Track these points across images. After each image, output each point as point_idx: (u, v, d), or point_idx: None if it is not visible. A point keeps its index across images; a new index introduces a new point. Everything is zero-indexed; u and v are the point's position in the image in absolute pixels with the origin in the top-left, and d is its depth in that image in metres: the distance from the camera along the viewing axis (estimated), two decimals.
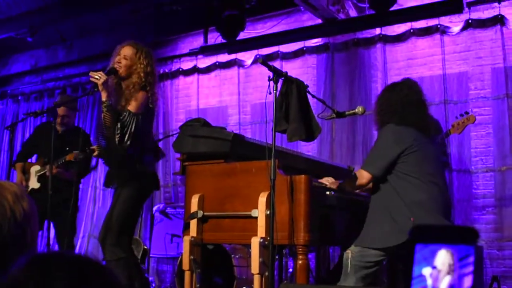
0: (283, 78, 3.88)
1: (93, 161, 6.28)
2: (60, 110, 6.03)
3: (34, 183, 5.99)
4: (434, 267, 0.88)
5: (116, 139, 4.16)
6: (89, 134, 6.56)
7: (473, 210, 6.35)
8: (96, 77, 4.14)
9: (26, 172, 6.09)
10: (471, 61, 6.53)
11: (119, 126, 4.14)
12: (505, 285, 5.98)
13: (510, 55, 6.28)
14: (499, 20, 6.33)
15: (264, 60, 3.79)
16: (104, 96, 4.16)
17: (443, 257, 0.88)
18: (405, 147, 3.84)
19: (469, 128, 6.18)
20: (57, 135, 5.99)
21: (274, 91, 3.72)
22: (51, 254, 1.11)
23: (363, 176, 3.91)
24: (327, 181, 4.11)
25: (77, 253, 1.14)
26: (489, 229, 6.24)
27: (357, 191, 4.33)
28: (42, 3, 8.38)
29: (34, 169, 6.03)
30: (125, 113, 4.17)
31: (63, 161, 5.58)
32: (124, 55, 4.33)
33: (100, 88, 4.14)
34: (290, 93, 3.93)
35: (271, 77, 3.73)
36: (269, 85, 3.72)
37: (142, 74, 4.30)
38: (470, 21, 6.51)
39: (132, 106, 4.21)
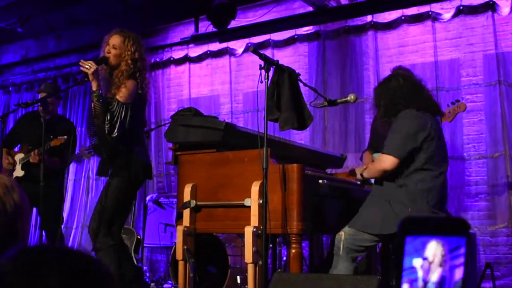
0: (274, 66, 3.87)
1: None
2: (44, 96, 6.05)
3: (18, 172, 5.95)
4: (425, 258, 0.87)
5: (106, 129, 4.15)
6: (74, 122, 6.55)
7: (466, 197, 6.35)
8: (87, 66, 4.14)
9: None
10: (462, 47, 6.52)
11: (108, 116, 4.14)
12: (498, 271, 6.00)
13: (502, 41, 6.28)
14: (491, 6, 6.31)
15: (255, 49, 3.76)
16: (94, 86, 4.16)
17: (433, 248, 0.87)
18: (428, 133, 3.79)
19: (461, 115, 6.17)
20: (40, 123, 5.98)
21: (266, 80, 3.71)
22: (41, 246, 1.10)
23: (386, 161, 3.79)
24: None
25: (68, 245, 1.13)
26: (482, 216, 6.25)
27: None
28: None
29: (18, 157, 5.99)
30: (114, 103, 4.17)
31: (48, 147, 5.51)
32: (113, 44, 4.33)
33: (90, 77, 4.14)
34: (282, 82, 3.91)
35: (263, 65, 3.71)
36: (260, 74, 3.70)
37: (129, 61, 4.30)
38: (461, 7, 6.49)
39: (121, 96, 4.19)
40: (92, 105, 4.21)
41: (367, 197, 3.96)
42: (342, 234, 3.84)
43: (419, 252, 0.87)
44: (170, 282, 6.69)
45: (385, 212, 3.75)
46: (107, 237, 4.26)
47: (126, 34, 4.39)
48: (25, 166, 5.92)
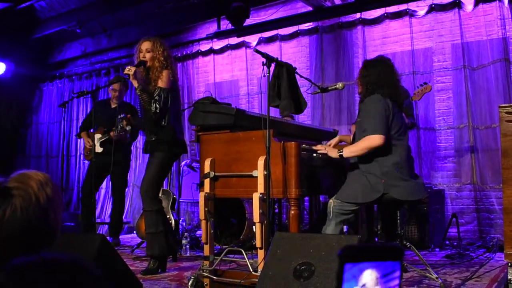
0: (274, 63, 3.71)
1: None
2: (116, 85, 6.17)
3: (98, 148, 6.16)
4: (362, 286, 0.76)
5: (153, 110, 4.22)
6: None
7: (437, 160, 6.21)
8: (127, 70, 4.22)
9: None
10: (434, 38, 6.30)
11: (154, 100, 4.22)
12: (462, 219, 5.89)
13: (466, 33, 6.05)
14: (457, 4, 6.08)
15: (258, 50, 3.57)
16: (135, 83, 4.24)
17: (369, 274, 0.76)
18: (389, 113, 3.66)
19: (433, 94, 6.02)
20: (111, 109, 6.08)
21: (268, 74, 3.56)
22: (33, 262, 0.99)
23: (375, 138, 3.57)
24: (322, 148, 3.95)
25: (69, 257, 1.01)
26: (449, 175, 6.12)
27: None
28: (86, 1, 8.22)
29: (97, 137, 6.17)
30: (157, 89, 4.23)
31: (121, 126, 5.61)
32: (146, 49, 4.36)
33: (131, 77, 4.21)
34: (281, 75, 3.77)
35: (265, 62, 3.56)
36: (263, 69, 3.55)
37: (161, 58, 4.35)
38: (433, 5, 6.26)
39: (161, 83, 4.26)
40: (140, 98, 4.31)
41: (348, 174, 3.80)
42: (331, 202, 3.72)
43: (357, 278, 0.75)
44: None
45: (362, 184, 3.63)
46: (154, 199, 4.39)
47: (153, 39, 4.43)
48: (102, 143, 6.13)
